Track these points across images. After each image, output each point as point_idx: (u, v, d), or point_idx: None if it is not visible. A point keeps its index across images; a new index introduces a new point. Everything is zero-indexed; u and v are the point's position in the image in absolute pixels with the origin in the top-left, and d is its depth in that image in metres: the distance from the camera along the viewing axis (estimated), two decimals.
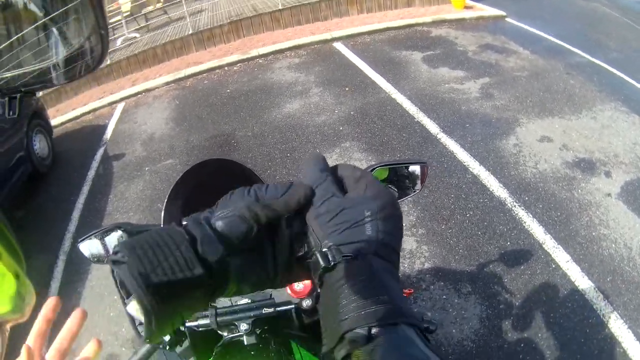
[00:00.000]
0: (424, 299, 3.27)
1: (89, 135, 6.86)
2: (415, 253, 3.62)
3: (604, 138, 5.06)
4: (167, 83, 7.98)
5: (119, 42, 10.37)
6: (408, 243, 3.70)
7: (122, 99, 7.88)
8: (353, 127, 5.44)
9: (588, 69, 6.87)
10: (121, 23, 10.58)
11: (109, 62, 9.07)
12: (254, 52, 8.55)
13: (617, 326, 3.11)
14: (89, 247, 1.49)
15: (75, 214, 4.85)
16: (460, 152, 4.78)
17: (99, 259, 1.50)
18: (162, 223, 1.27)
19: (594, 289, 3.34)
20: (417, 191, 1.45)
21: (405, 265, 3.51)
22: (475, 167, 4.52)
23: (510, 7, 10.31)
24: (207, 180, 1.33)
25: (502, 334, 3.05)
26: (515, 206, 4.02)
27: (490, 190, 4.22)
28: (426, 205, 4.10)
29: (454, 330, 3.07)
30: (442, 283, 3.37)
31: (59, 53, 0.68)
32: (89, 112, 7.77)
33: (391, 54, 7.82)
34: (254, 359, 1.02)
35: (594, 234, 3.81)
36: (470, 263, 3.51)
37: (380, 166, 1.41)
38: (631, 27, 9.99)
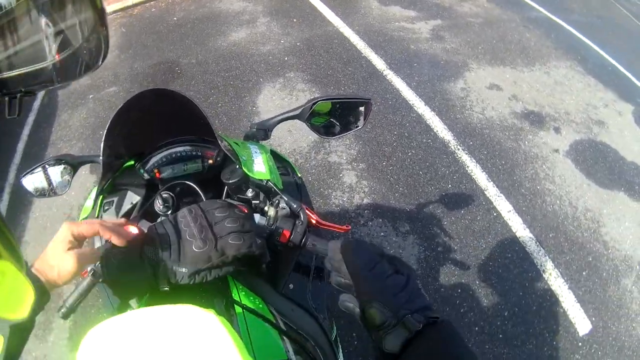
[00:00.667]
0: (362, 234, 3.07)
1: None
2: (355, 188, 3.39)
3: (556, 94, 4.88)
4: (115, 11, 7.46)
5: None
6: (348, 177, 3.48)
7: None
8: (298, 58, 5.14)
9: (546, 25, 6.67)
10: None
11: None
12: None
13: (557, 285, 2.98)
14: (32, 181, 1.58)
15: (20, 146, 4.61)
16: (405, 90, 4.45)
17: (41, 193, 1.60)
18: (101, 155, 1.23)
19: (535, 242, 3.19)
20: (359, 127, 1.52)
21: (345, 200, 3.30)
22: (420, 107, 4.21)
23: None
24: (147, 111, 1.29)
25: (439, 277, 2.89)
26: (458, 149, 3.76)
27: (434, 131, 3.94)
28: (368, 140, 3.82)
29: None
30: (381, 220, 3.17)
31: (60, 52, 0.67)
32: None
33: None
34: (187, 292, 1.01)
35: (538, 187, 3.64)
36: (409, 202, 3.30)
37: (324, 99, 1.44)
38: None
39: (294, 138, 3.81)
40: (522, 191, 3.55)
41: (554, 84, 5.06)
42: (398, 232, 3.07)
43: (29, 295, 0.57)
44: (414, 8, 6.48)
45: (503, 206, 3.36)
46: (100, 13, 0.64)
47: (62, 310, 1.03)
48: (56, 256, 0.90)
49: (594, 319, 2.87)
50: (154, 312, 0.64)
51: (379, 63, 4.95)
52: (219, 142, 1.26)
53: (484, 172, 3.59)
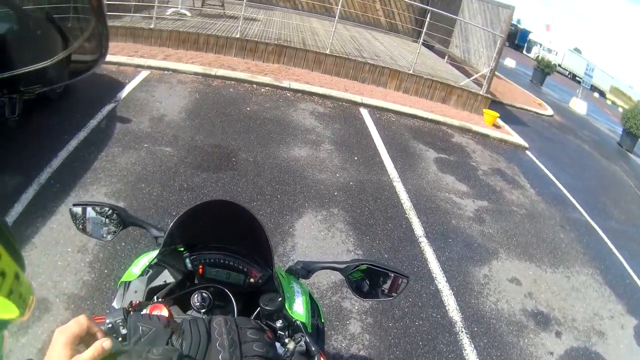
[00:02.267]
0: None
1: (105, 85, 7.04)
2: (356, 338, 3.94)
3: (569, 300, 5.53)
4: (196, 73, 8.26)
5: (169, 11, 10.63)
6: (353, 326, 4.03)
7: (149, 67, 8.12)
8: (347, 197, 5.84)
9: (582, 229, 7.45)
10: None
11: (152, 26, 9.33)
12: (285, 83, 8.99)
13: None
14: (81, 213, 1.67)
15: (63, 153, 5.01)
16: (433, 262, 5.20)
17: (82, 228, 1.69)
18: (164, 236, 1.50)
19: None
20: (390, 299, 1.70)
21: (343, 346, 3.82)
22: (441, 282, 4.93)
23: (536, 142, 11.05)
24: (219, 215, 1.52)
25: None
26: (462, 332, 4.41)
27: (446, 308, 4.62)
28: None
29: None
30: None
31: (59, 52, 0.69)
32: (114, 63, 7.91)
33: (408, 142, 8.38)
34: None
35: None
36: None
37: (368, 263, 1.66)
38: None
39: (316, 273, 4.46)
40: None
41: (571, 289, 5.73)
42: None
43: (29, 296, 0.61)
44: (466, 182, 7.37)
45: None
46: (100, 14, 0.63)
47: None
48: None
49: None
50: None
51: (418, 228, 5.71)
52: (272, 270, 1.50)
53: (478, 359, 4.21)
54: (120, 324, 1.12)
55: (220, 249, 1.55)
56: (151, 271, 1.61)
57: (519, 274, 5.63)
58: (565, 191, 8.78)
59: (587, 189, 9.73)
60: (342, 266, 1.68)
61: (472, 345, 4.31)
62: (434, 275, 5.02)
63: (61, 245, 3.85)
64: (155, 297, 1.48)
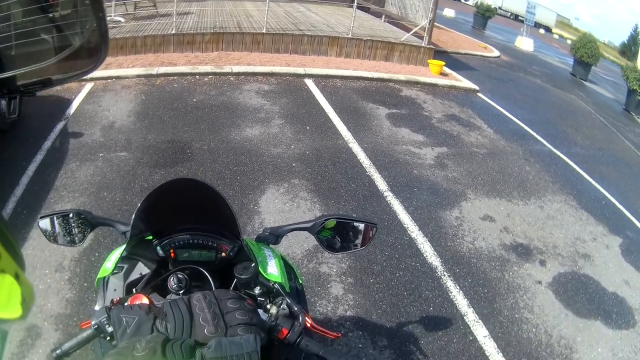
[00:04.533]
0: (340, 343, 3.60)
1: (53, 104, 6.97)
2: (340, 299, 3.97)
3: (547, 228, 5.69)
4: (139, 76, 8.29)
5: None
6: (335, 288, 4.06)
7: (92, 79, 8.06)
8: (305, 166, 5.92)
9: (547, 158, 7.69)
10: (110, 3, 10.71)
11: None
12: (227, 68, 9.08)
13: None
14: (49, 225, 1.73)
15: (24, 180, 5.03)
16: (402, 213, 5.27)
17: (54, 239, 1.74)
18: (130, 227, 1.53)
19: None
20: (360, 249, 1.78)
21: (329, 309, 3.86)
22: (414, 231, 5.01)
23: (486, 83, 11.33)
24: (180, 196, 1.59)
25: None
26: (444, 275, 4.48)
27: (424, 255, 4.69)
28: (359, 256, 4.50)
29: None
30: (361, 333, 3.72)
31: (59, 52, 0.72)
32: None
33: (358, 104, 8.47)
34: None
35: (516, 315, 4.30)
36: (391, 319, 3.90)
37: (334, 217, 1.73)
38: (603, 126, 11.11)
39: (289, 243, 4.45)
40: (500, 318, 4.21)
41: (546, 217, 5.90)
42: (376, 346, 3.63)
43: (29, 296, 0.62)
44: (422, 132, 7.50)
45: (480, 332, 4.00)
46: (101, 14, 0.66)
47: (57, 352, 1.20)
48: None
49: None
50: None
51: (381, 184, 5.80)
52: (241, 240, 1.56)
53: (466, 299, 4.27)
54: (105, 322, 1.19)
55: (187, 229, 1.61)
56: (126, 266, 1.67)
57: (491, 211, 5.76)
58: (524, 126, 9.03)
59: (546, 121, 10.02)
60: (309, 225, 1.74)
61: (457, 287, 4.39)
62: (405, 225, 5.08)
63: (39, 268, 3.88)
64: (134, 290, 1.54)
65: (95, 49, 0.74)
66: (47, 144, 5.79)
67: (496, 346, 3.93)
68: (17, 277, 0.61)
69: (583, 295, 4.78)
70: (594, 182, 7.36)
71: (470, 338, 3.95)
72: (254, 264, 1.52)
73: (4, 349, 0.65)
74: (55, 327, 3.37)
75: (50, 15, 0.74)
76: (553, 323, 4.33)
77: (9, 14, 0.72)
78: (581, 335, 4.31)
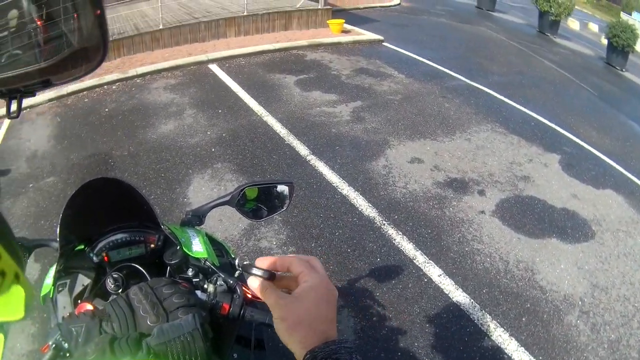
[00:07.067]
0: None
1: None
2: None
3: (479, 158, 5.85)
4: (50, 100, 8.10)
5: None
6: None
7: (4, 116, 7.76)
8: (225, 149, 5.90)
9: (465, 92, 7.89)
10: None
11: None
12: (132, 72, 8.97)
13: (497, 334, 3.63)
14: None
15: None
16: (329, 173, 5.29)
17: None
18: (57, 240, 1.55)
19: (470, 300, 3.88)
20: (284, 209, 1.85)
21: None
22: (345, 188, 5.03)
23: (390, 32, 11.48)
24: (94, 198, 1.61)
25: (378, 344, 3.44)
26: (384, 224, 4.53)
27: (359, 209, 4.72)
28: (296, 224, 4.50)
29: None
30: None
31: (59, 52, 0.74)
32: None
33: (264, 77, 8.44)
34: None
35: (466, 249, 4.41)
36: (341, 279, 3.92)
37: (250, 185, 1.81)
38: (518, 51, 11.50)
39: (225, 226, 4.42)
40: (451, 255, 4.30)
41: (476, 148, 6.06)
42: None
43: (29, 297, 0.64)
44: (334, 91, 7.52)
45: (433, 271, 4.08)
46: (100, 11, 0.69)
47: None
48: None
49: (540, 358, 3.49)
50: None
51: (302, 149, 5.80)
52: (161, 226, 1.61)
53: (411, 243, 4.34)
54: (60, 339, 1.19)
55: (112, 230, 1.68)
56: (69, 282, 1.69)
57: (417, 153, 5.86)
58: (436, 65, 9.23)
59: (458, 57, 10.29)
60: (228, 198, 1.81)
61: (400, 233, 4.44)
62: (334, 185, 5.09)
63: None
64: (78, 302, 1.57)
65: (96, 49, 0.75)
66: None
67: (453, 283, 4.02)
68: (17, 277, 0.62)
69: (531, 217, 4.96)
70: (518, 106, 7.62)
71: (425, 280, 4.01)
72: (179, 247, 1.60)
73: (4, 349, 0.67)
74: None
75: (50, 15, 0.74)
76: (506, 249, 4.48)
77: (9, 14, 0.73)
78: (539, 255, 4.47)
